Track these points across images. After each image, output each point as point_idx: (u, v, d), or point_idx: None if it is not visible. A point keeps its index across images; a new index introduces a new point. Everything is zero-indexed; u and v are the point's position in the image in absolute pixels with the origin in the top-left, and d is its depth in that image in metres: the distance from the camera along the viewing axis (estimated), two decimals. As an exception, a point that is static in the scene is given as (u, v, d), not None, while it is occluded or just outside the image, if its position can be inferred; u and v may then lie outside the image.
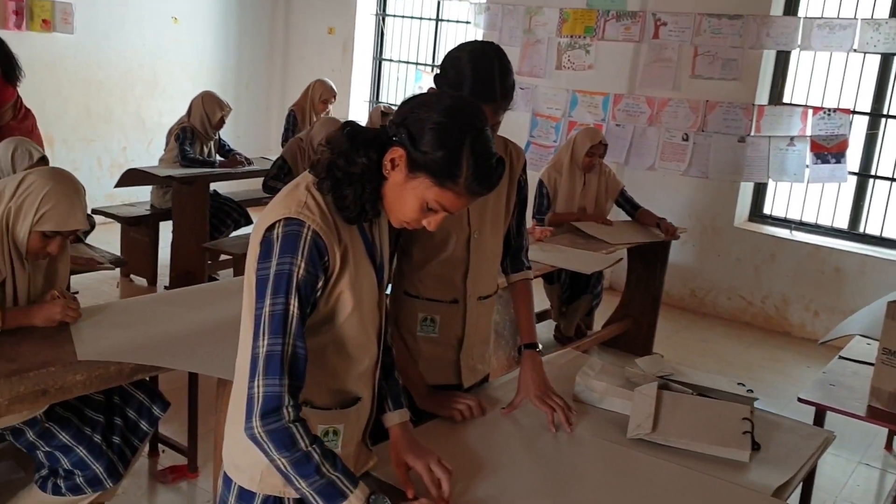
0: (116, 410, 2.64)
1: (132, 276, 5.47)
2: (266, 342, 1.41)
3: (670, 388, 2.21)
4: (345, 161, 1.47)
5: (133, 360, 2.26)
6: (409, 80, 7.62)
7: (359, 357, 1.61)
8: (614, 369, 2.36)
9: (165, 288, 5.36)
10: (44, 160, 3.38)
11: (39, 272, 2.52)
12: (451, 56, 1.94)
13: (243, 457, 1.58)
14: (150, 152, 7.00)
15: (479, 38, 6.76)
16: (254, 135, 7.78)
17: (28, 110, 4.45)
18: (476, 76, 1.87)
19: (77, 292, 2.90)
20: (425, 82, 7.26)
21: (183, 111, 7.23)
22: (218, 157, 5.58)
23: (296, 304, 1.41)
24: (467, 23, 6.96)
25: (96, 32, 6.58)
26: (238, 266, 4.96)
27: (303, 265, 1.42)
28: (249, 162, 5.68)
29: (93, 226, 3.90)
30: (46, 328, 2.36)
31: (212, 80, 7.40)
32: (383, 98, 7.84)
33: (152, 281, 5.41)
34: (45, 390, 2.14)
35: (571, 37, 6.21)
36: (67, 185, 2.42)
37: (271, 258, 1.44)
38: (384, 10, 7.71)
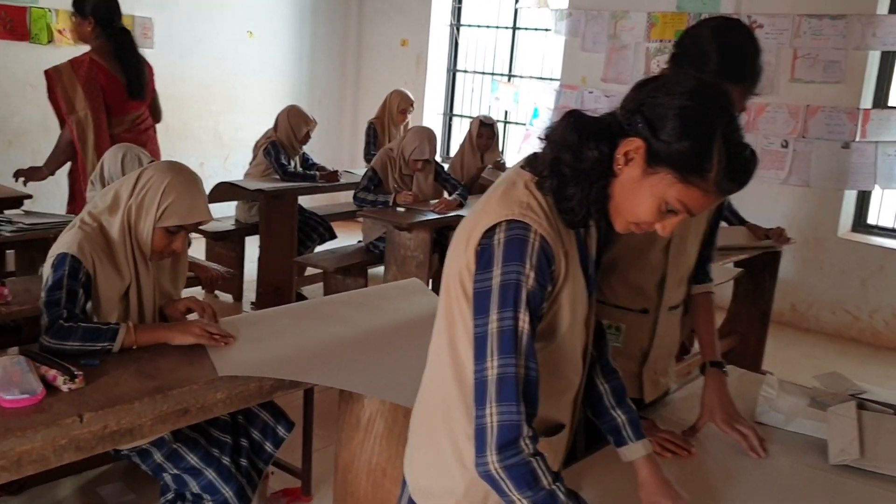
0: (241, 431, 2.49)
1: (217, 292, 5.37)
2: (496, 363, 1.22)
3: (867, 408, 2.00)
4: (572, 156, 1.28)
5: (277, 374, 2.11)
6: (483, 92, 7.47)
7: (568, 379, 1.43)
8: (795, 388, 2.15)
9: (252, 304, 5.26)
10: None
11: (163, 275, 2.39)
12: (690, 33, 1.76)
13: (437, 482, 1.41)
14: (227, 168, 6.95)
15: (561, 45, 6.59)
16: (327, 148, 7.69)
17: (150, 128, 4.39)
18: (723, 53, 1.68)
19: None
20: (502, 92, 7.11)
21: (259, 126, 7.22)
22: (317, 172, 5.48)
23: (526, 319, 1.23)
24: (546, 30, 6.79)
25: (175, 47, 6.55)
26: (329, 281, 4.83)
27: (532, 274, 1.24)
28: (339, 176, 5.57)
29: (189, 243, 3.80)
30: (181, 342, 2.23)
31: (286, 95, 7.34)
32: (457, 110, 7.70)
33: (238, 297, 5.31)
34: (186, 409, 2.00)
35: (661, 41, 6.00)
36: (186, 177, 2.29)
37: (493, 267, 1.25)
38: (459, 21, 7.58)
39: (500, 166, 5.70)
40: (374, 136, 6.22)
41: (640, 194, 1.28)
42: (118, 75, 4.14)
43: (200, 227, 5.05)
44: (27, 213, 3.98)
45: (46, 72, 4.09)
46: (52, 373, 1.90)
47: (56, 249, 2.19)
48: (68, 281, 2.13)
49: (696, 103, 1.24)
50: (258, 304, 5.22)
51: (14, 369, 1.88)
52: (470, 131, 5.62)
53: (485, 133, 5.59)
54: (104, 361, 2.07)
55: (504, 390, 1.21)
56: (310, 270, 5.37)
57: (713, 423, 1.82)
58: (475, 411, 1.23)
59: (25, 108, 5.81)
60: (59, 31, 5.79)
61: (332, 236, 5.63)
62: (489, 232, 1.28)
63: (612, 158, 1.29)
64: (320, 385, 2.27)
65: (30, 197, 4.43)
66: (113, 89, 4.12)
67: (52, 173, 4.20)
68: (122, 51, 4.15)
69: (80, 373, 1.91)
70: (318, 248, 5.50)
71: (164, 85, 6.58)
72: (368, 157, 6.07)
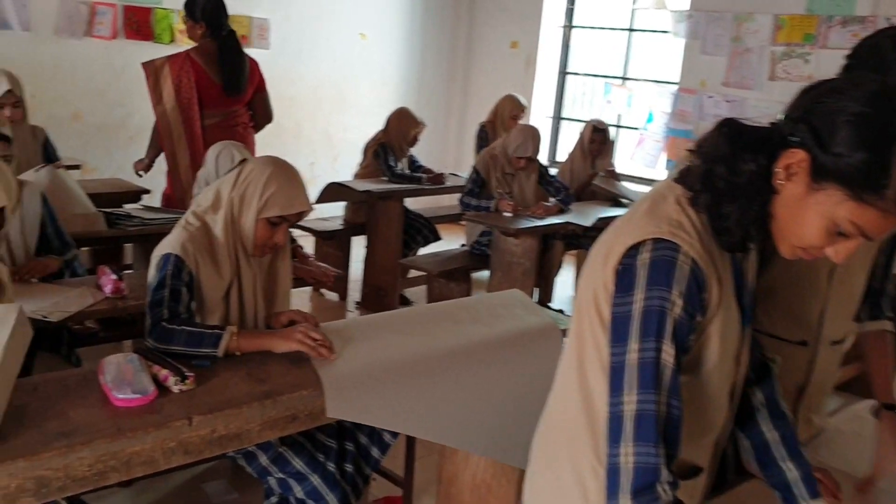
0: (348, 435, 2.44)
1: (322, 290, 5.41)
2: (634, 398, 1.09)
3: None
4: (726, 169, 1.14)
5: (385, 425, 2.03)
6: (595, 95, 7.28)
7: (710, 420, 1.28)
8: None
9: (356, 304, 5.26)
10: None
11: (263, 273, 2.36)
12: (868, 43, 1.61)
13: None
14: (336, 168, 7.02)
15: (681, 47, 6.34)
16: (433, 151, 7.67)
17: (244, 125, 4.58)
18: None
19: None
20: (615, 96, 6.91)
21: (367, 127, 7.26)
22: (423, 175, 5.44)
23: (670, 352, 1.10)
24: (664, 32, 6.55)
25: (290, 48, 6.65)
26: (432, 285, 4.78)
27: (679, 302, 1.10)
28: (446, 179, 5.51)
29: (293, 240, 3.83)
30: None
31: (396, 96, 7.36)
32: (567, 113, 7.54)
33: (343, 296, 5.33)
34: (295, 416, 1.96)
35: (787, 45, 5.68)
36: (286, 168, 2.27)
37: (634, 290, 1.12)
38: (571, 22, 7.42)
39: (614, 174, 5.52)
40: (486, 140, 6.13)
41: (805, 214, 1.12)
42: (214, 73, 4.37)
43: (309, 227, 5.15)
44: (146, 207, 4.08)
45: (143, 65, 4.36)
46: (163, 372, 1.89)
47: (160, 250, 2.19)
48: (171, 281, 2.11)
49: (875, 110, 1.07)
50: (362, 305, 5.22)
51: (127, 367, 1.87)
52: (582, 136, 5.46)
53: (597, 139, 5.40)
54: (214, 363, 2.05)
55: (642, 429, 1.08)
56: (413, 272, 5.34)
57: (892, 472, 1.64)
58: (608, 449, 1.11)
59: (146, 105, 5.98)
60: (181, 32, 5.95)
61: (437, 238, 5.58)
62: (632, 250, 1.15)
63: (772, 172, 1.14)
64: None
65: (148, 192, 4.56)
66: (206, 86, 4.35)
67: (152, 162, 4.54)
68: (224, 51, 4.39)
69: (192, 374, 1.89)
70: (422, 251, 5.46)
71: (279, 86, 6.71)
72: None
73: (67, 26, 5.27)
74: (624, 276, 1.15)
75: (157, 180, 4.70)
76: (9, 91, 3.75)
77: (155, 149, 4.51)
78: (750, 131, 1.17)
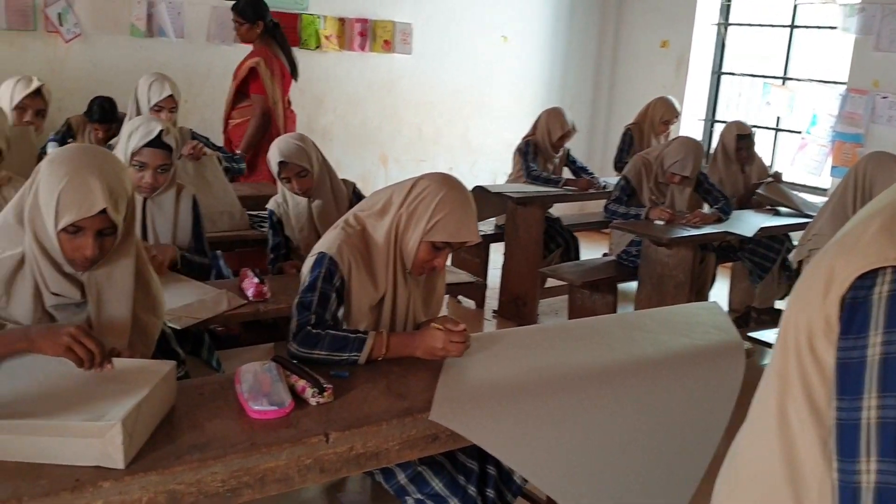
0: (489, 458, 2.27)
1: (459, 298, 5.29)
2: (874, 467, 0.84)
3: None
4: None
5: (485, 445, 1.82)
6: (752, 96, 6.82)
7: None
8: None
9: (494, 313, 5.11)
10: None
11: (417, 290, 2.24)
12: None
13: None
14: (475, 174, 6.90)
15: (851, 43, 5.82)
16: (577, 156, 7.44)
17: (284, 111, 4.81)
18: None
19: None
20: (774, 97, 6.44)
21: (505, 132, 7.12)
22: (563, 178, 5.20)
23: None
24: (831, 28, 6.04)
25: (431, 53, 6.60)
26: (574, 296, 4.55)
27: None
28: (600, 186, 5.22)
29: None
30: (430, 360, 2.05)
31: (536, 100, 7.17)
32: (721, 116, 7.11)
33: (480, 304, 5.18)
34: (436, 436, 1.81)
35: (980, 37, 5.09)
36: (461, 194, 2.12)
37: (869, 330, 0.86)
38: (727, 20, 6.99)
39: (779, 178, 5.06)
40: (630, 143, 5.84)
41: None
42: (285, 63, 4.75)
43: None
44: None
45: (252, 68, 4.62)
46: (301, 383, 1.78)
47: (317, 248, 2.12)
48: (322, 284, 2.04)
49: None
50: (500, 314, 5.06)
51: (264, 377, 1.78)
52: (723, 142, 4.93)
53: (743, 145, 4.89)
54: (353, 374, 1.94)
55: None
56: (551, 281, 5.13)
57: None
58: None
59: (301, 114, 6.09)
60: (326, 37, 6.01)
61: (576, 247, 5.34)
62: (865, 279, 0.91)
63: None
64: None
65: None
66: (285, 75, 4.75)
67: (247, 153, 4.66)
68: (282, 42, 4.76)
69: (330, 386, 1.78)
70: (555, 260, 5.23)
71: (420, 91, 6.69)
72: (620, 164, 5.70)
73: (219, 33, 5.41)
74: (854, 312, 0.89)
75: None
76: (169, 96, 3.85)
77: (253, 147, 4.64)
78: None
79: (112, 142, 3.74)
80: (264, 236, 3.59)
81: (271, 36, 4.73)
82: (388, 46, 6.34)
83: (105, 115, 4.14)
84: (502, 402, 1.89)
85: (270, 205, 3.17)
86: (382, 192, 2.20)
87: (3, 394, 1.57)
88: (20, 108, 3.66)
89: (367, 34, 6.22)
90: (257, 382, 1.76)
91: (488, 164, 7.07)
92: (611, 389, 2.04)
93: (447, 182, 2.12)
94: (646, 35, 7.31)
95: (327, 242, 2.10)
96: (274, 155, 3.10)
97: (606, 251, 6.34)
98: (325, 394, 1.76)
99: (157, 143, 2.66)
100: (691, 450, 2.10)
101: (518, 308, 4.90)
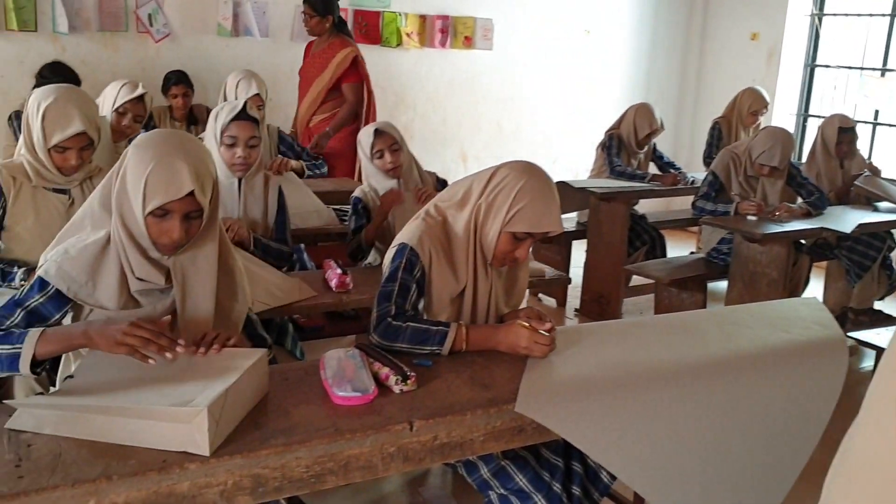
0: (575, 454, 2.20)
1: (540, 295, 5.21)
2: None
3: None
4: None
5: (577, 441, 1.74)
6: (848, 89, 6.52)
7: None
8: None
9: (576, 311, 5.01)
10: None
11: (499, 282, 2.19)
12: None
13: None
14: (555, 171, 6.74)
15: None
16: (663, 151, 7.29)
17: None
18: None
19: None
20: (873, 89, 6.14)
21: (587, 128, 7.00)
22: (649, 173, 5.06)
23: None
24: (937, 15, 5.72)
25: (512, 48, 6.53)
26: (661, 294, 4.42)
27: None
28: (688, 181, 5.06)
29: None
30: (515, 349, 1.99)
31: (621, 95, 7.03)
32: (814, 110, 6.82)
33: (562, 302, 5.09)
34: (521, 427, 1.76)
35: None
36: (542, 182, 2.05)
37: None
38: (822, 9, 6.70)
39: (875, 170, 4.78)
40: (719, 137, 5.66)
41: None
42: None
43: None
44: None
45: (355, 57, 4.80)
46: (384, 371, 1.75)
47: (399, 238, 2.09)
48: (403, 274, 2.01)
49: None
50: (581, 313, 4.96)
51: (348, 363, 1.76)
52: (823, 136, 4.69)
53: (845, 139, 4.64)
54: (436, 363, 1.90)
55: None
56: (634, 280, 5.00)
57: None
58: None
59: (382, 112, 6.12)
60: (408, 35, 6.01)
61: (662, 245, 5.19)
62: None
63: None
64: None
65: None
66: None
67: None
68: (349, 34, 4.97)
69: (413, 374, 1.74)
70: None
71: (501, 88, 6.63)
72: (709, 158, 5.53)
73: (302, 32, 5.44)
74: None
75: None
76: (256, 94, 3.91)
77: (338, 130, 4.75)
78: None
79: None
80: (346, 229, 3.61)
81: (339, 28, 4.85)
82: (468, 43, 6.31)
83: (182, 76, 4.70)
84: (591, 395, 1.82)
85: (357, 193, 3.19)
86: (463, 182, 2.15)
87: (99, 376, 1.59)
88: (121, 112, 3.75)
89: (448, 31, 6.20)
90: (341, 369, 1.74)
91: (569, 161, 6.96)
92: (705, 385, 1.95)
93: (528, 170, 2.06)
94: (735, 27, 7.08)
95: (408, 233, 2.07)
96: (367, 131, 3.15)
97: (693, 250, 6.17)
98: (409, 382, 1.73)
99: (243, 115, 2.70)
100: (788, 450, 1.98)
101: (601, 307, 4.79)
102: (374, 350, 1.86)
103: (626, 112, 5.07)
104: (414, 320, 1.97)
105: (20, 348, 1.58)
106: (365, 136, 3.13)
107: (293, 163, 4.02)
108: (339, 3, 4.88)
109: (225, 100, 3.96)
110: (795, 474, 1.98)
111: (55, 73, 3.97)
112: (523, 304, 2.32)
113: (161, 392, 1.51)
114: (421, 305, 2.09)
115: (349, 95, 4.78)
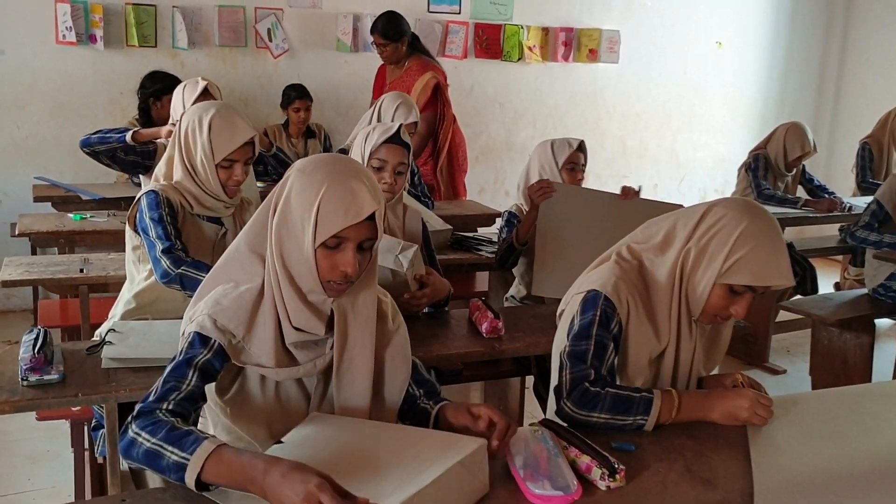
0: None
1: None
2: None
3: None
4: None
5: None
6: None
7: None
8: None
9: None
10: None
11: (701, 340, 1.84)
12: None
13: None
14: (682, 191, 6.38)
15: None
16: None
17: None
18: None
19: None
20: None
21: (718, 145, 6.54)
22: (802, 198, 4.62)
23: None
24: None
25: (638, 61, 6.16)
26: (819, 334, 3.96)
27: None
28: (845, 207, 4.60)
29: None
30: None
31: (750, 111, 6.57)
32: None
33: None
34: None
35: None
36: (768, 224, 1.67)
37: None
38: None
39: None
40: (870, 160, 5.15)
41: None
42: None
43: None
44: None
45: (438, 84, 4.41)
46: (584, 460, 1.44)
47: (588, 283, 1.77)
48: (598, 330, 1.69)
49: None
50: (726, 352, 4.52)
51: (540, 449, 1.45)
52: None
53: None
54: (639, 446, 1.57)
55: None
56: (782, 314, 4.53)
57: None
58: None
59: (493, 125, 5.85)
60: (530, 48, 5.72)
61: (813, 277, 4.70)
62: None
63: None
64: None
65: (500, 214, 4.29)
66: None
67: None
68: (425, 50, 4.60)
69: (623, 467, 1.42)
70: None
71: (626, 102, 6.25)
72: (864, 183, 5.04)
73: (423, 47, 5.25)
74: None
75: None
76: (413, 122, 3.67)
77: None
78: None
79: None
80: (479, 260, 3.32)
81: (413, 47, 4.49)
82: (593, 55, 5.96)
83: (304, 91, 4.67)
84: (839, 494, 1.45)
85: (511, 208, 3.16)
86: (663, 221, 1.81)
87: (299, 453, 1.34)
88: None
89: (572, 43, 5.88)
90: (532, 457, 1.43)
91: (697, 180, 6.52)
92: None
93: (749, 210, 1.70)
94: (878, 42, 6.52)
95: (600, 278, 1.75)
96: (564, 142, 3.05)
97: (837, 280, 5.66)
98: (618, 477, 1.40)
99: (396, 138, 2.44)
100: None
101: (747, 345, 4.35)
102: (564, 430, 1.55)
103: (775, 131, 4.66)
104: (612, 385, 1.65)
105: (188, 460, 1.31)
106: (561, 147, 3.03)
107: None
108: (407, 22, 4.50)
109: (380, 121, 3.70)
110: None
111: (155, 81, 4.18)
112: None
113: (360, 477, 1.27)
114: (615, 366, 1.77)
115: (421, 127, 4.31)
